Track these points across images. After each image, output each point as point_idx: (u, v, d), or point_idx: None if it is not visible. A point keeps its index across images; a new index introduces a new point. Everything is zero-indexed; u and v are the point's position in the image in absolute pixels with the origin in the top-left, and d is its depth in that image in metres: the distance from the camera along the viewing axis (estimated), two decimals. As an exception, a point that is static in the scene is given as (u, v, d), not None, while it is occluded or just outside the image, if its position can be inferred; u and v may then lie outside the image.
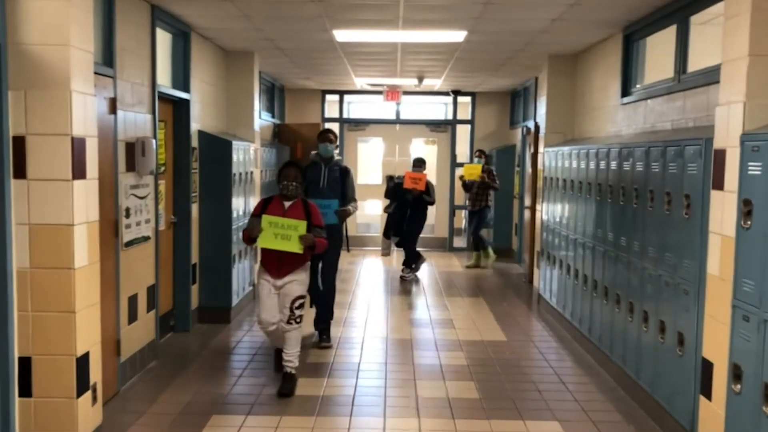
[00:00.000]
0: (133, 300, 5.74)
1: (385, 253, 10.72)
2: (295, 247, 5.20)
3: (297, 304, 5.40)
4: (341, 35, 7.45)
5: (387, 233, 10.58)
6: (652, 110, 6.11)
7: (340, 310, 8.09)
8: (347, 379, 5.78)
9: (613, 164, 5.82)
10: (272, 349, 6.08)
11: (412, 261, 10.34)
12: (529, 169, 10.42)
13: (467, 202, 11.51)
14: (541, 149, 9.02)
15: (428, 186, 10.10)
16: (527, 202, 10.42)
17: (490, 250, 11.58)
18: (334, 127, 13.43)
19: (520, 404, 5.22)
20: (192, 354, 6.46)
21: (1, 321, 3.94)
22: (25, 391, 4.08)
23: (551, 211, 8.09)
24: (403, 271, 10.40)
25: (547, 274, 8.21)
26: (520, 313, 8.23)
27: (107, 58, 5.21)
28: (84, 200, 4.16)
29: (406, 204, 10.20)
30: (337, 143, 6.86)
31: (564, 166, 7.50)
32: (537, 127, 9.40)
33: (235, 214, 7.64)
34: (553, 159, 8.04)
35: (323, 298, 6.79)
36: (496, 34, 7.30)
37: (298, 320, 5.43)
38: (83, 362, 4.20)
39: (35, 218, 4.02)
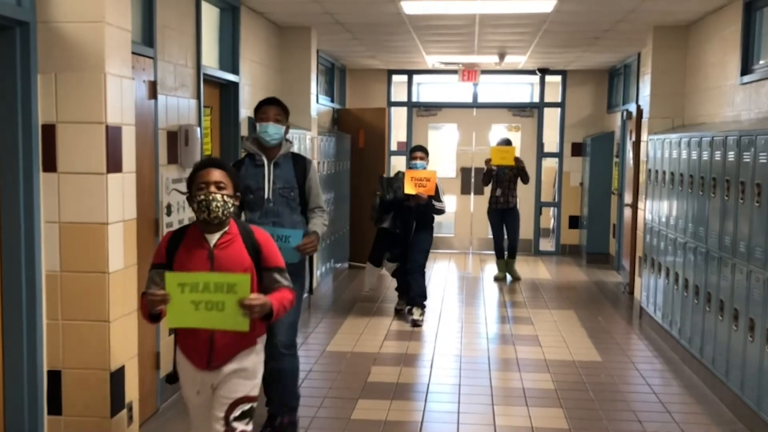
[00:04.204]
0: (174, 308, 5.83)
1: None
2: (232, 322, 3.32)
3: (238, 412, 3.53)
4: (410, 7, 7.44)
5: (376, 256, 8.33)
6: (779, 90, 5.89)
7: (405, 322, 8.07)
8: (414, 402, 5.76)
9: (731, 155, 5.63)
10: None
11: (422, 296, 8.20)
12: (630, 161, 10.21)
13: (498, 195, 10.45)
14: (644, 137, 8.81)
15: (437, 190, 7.98)
16: (627, 199, 10.21)
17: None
18: (401, 112, 13.46)
19: (616, 437, 5.11)
20: (239, 370, 6.54)
21: (29, 330, 4.09)
22: (55, 408, 4.21)
23: (656, 210, 7.89)
24: (409, 311, 8.19)
25: (650, 284, 8.02)
26: (618, 330, 8.06)
27: (147, 36, 5.31)
28: (120, 196, 4.25)
29: (409, 215, 8.07)
30: (288, 123, 4.92)
31: (672, 157, 7.30)
32: (639, 110, 9.19)
33: (288, 212, 7.71)
34: (659, 148, 7.84)
35: (279, 376, 4.82)
36: (592, 2, 7.17)
37: None
38: (118, 378, 4.30)
39: (66, 216, 4.13)
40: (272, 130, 4.77)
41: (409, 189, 7.74)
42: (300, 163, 4.93)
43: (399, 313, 8.41)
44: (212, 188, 3.41)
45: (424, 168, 8.08)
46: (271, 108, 4.83)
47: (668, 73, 8.46)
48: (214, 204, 3.39)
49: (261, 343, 3.66)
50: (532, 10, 7.54)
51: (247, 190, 4.71)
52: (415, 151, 8.26)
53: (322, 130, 9.95)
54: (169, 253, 3.51)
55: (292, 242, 4.63)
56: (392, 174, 8.10)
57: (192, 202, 3.45)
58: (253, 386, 3.60)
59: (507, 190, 10.45)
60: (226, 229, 3.50)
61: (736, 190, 5.50)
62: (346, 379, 6.23)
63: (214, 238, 3.47)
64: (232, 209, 3.47)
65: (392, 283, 9.10)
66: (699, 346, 6.31)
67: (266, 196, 4.77)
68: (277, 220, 4.76)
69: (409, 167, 8.13)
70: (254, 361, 3.61)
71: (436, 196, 7.96)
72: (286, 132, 4.88)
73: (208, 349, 3.48)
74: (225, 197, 3.42)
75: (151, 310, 3.37)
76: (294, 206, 4.85)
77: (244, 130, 7.36)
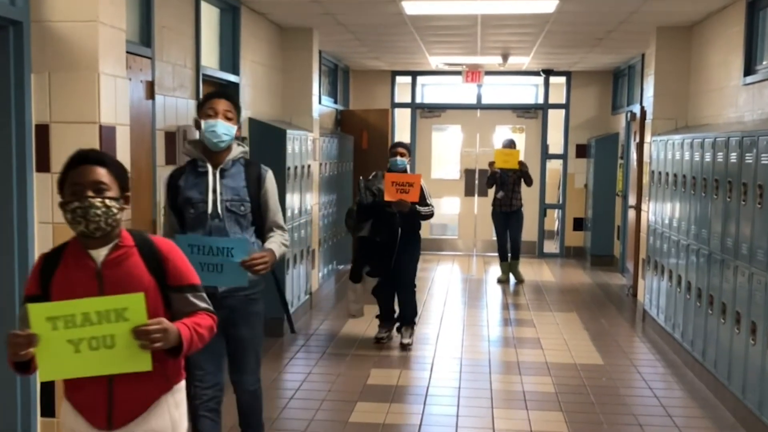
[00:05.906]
0: (172, 309, 5.80)
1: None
2: (128, 361, 2.52)
3: None
4: (411, 7, 7.40)
5: (357, 273, 7.23)
6: (783, 91, 5.83)
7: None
8: (413, 405, 5.71)
9: (733, 156, 5.57)
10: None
11: (412, 314, 7.34)
12: (634, 162, 10.15)
13: (502, 198, 10.28)
14: (647, 138, 8.75)
15: (423, 192, 6.93)
16: (632, 200, 10.15)
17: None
18: (405, 113, 13.41)
19: (616, 441, 5.05)
20: (238, 372, 6.51)
21: (22, 331, 4.05)
22: (48, 411, 4.18)
23: (659, 212, 7.84)
24: (398, 329, 7.38)
25: (653, 287, 7.96)
26: (621, 333, 8.00)
27: (144, 36, 5.29)
28: (114, 197, 4.21)
29: (393, 221, 6.97)
30: (239, 123, 4.05)
31: (675, 159, 7.25)
32: (643, 112, 9.13)
33: (289, 213, 7.66)
34: (662, 150, 7.79)
35: (243, 409, 4.29)
36: (594, 2, 7.12)
37: None
38: (112, 380, 4.26)
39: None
40: (221, 129, 3.88)
41: (389, 196, 6.72)
42: (254, 171, 4.01)
43: (380, 342, 7.24)
44: (89, 192, 2.57)
45: (405, 165, 7.06)
46: (221, 102, 3.95)
47: (672, 74, 8.40)
48: (92, 212, 2.55)
49: (179, 388, 2.81)
50: (534, 10, 7.49)
51: (187, 204, 3.91)
52: (396, 147, 7.20)
53: (324, 131, 9.92)
54: (43, 280, 2.64)
55: (236, 256, 3.68)
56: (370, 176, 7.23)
57: (65, 212, 2.60)
58: None
59: (511, 193, 10.33)
60: (117, 241, 2.67)
61: (738, 192, 5.45)
62: (345, 382, 6.19)
63: (101, 254, 2.63)
64: (118, 216, 2.63)
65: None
66: (701, 349, 6.25)
67: (210, 210, 3.87)
68: (220, 236, 3.88)
69: (389, 165, 7.08)
70: (173, 415, 2.76)
71: (422, 200, 6.88)
72: (238, 133, 4.02)
73: (106, 403, 2.64)
74: (107, 202, 2.58)
75: (13, 358, 2.46)
76: (245, 224, 3.97)
77: (244, 131, 7.33)
